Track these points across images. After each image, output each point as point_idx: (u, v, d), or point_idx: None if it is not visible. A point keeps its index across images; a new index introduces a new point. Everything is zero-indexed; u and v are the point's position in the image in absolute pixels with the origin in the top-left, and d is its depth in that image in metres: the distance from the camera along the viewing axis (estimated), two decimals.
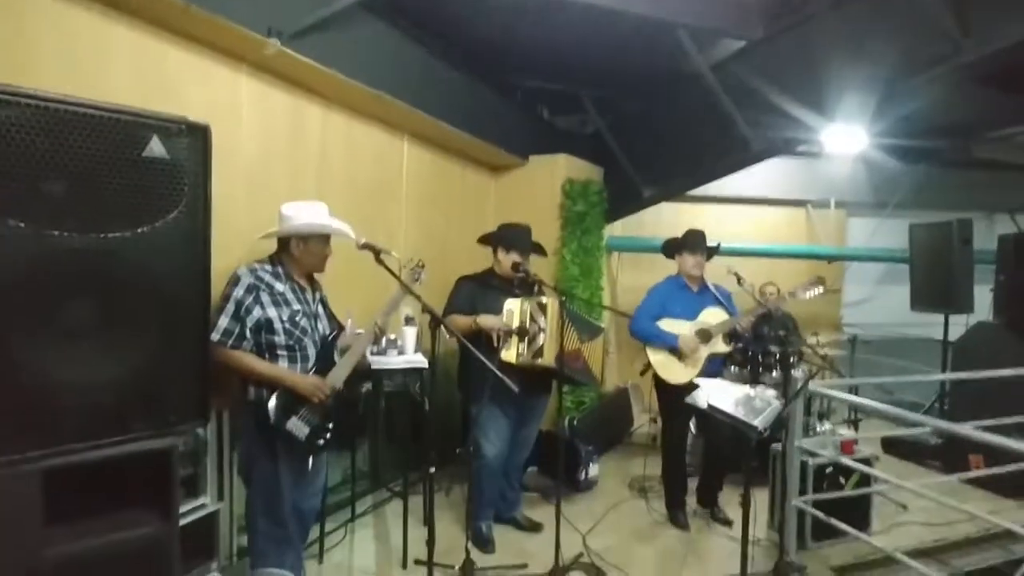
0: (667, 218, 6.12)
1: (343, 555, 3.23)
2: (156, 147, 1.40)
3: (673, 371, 3.55)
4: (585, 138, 5.58)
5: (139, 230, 1.42)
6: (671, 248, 3.76)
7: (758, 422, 2.43)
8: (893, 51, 3.15)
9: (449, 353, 4.19)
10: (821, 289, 3.49)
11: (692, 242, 3.66)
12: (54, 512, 1.27)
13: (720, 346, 3.60)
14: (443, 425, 4.30)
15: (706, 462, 3.91)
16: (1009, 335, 4.47)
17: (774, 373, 3.92)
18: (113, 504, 1.40)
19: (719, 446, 3.70)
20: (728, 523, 3.69)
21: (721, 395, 2.66)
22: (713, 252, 3.72)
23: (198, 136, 1.52)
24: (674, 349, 3.54)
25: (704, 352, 3.55)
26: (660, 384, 3.65)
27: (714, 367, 3.65)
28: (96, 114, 1.34)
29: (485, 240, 3.48)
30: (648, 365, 5.44)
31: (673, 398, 3.49)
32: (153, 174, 1.45)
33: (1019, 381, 3.63)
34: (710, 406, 2.54)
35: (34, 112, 1.26)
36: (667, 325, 3.59)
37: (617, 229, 5.98)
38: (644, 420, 5.67)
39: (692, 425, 4.16)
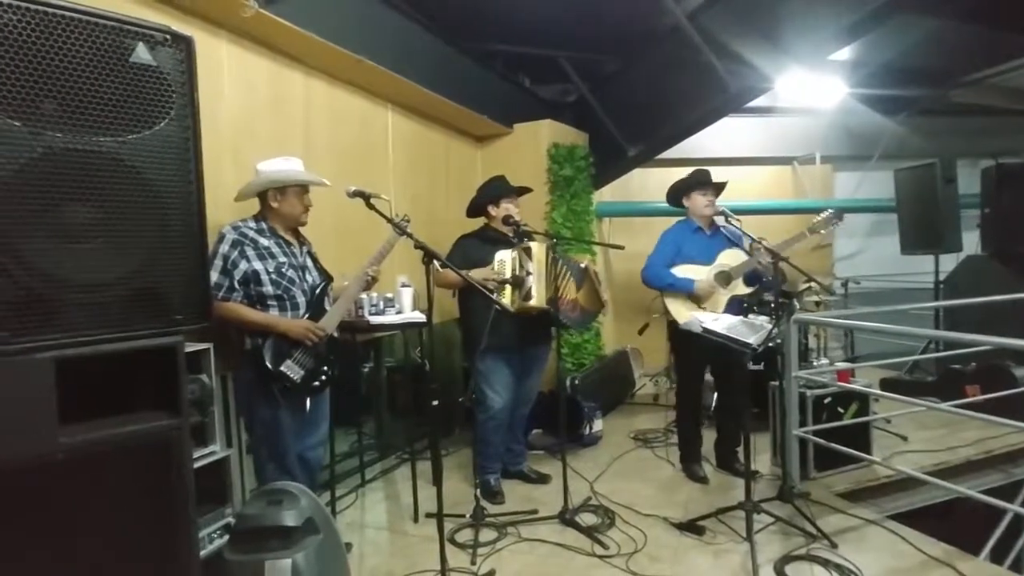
0: (654, 183, 6.14)
1: (355, 515, 3.27)
2: (143, 53, 1.43)
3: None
4: (568, 106, 5.62)
5: (132, 136, 1.45)
6: (678, 192, 3.60)
7: (753, 340, 2.48)
8: None
9: (447, 324, 4.23)
10: (839, 222, 3.33)
11: (700, 180, 3.52)
12: (66, 408, 1.31)
13: (741, 288, 3.43)
14: (445, 390, 4.32)
15: (721, 419, 3.72)
16: (997, 265, 4.54)
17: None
18: (123, 406, 1.43)
19: (733, 398, 3.50)
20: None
21: (716, 322, 2.70)
22: (721, 188, 3.57)
23: (182, 46, 1.54)
24: (692, 295, 3.41)
25: (724, 295, 3.42)
26: (675, 334, 3.49)
27: (734, 311, 3.38)
28: (81, 17, 1.35)
29: (473, 211, 3.51)
30: (647, 325, 5.46)
31: (690, 347, 3.34)
32: (142, 80, 1.47)
33: (1011, 309, 3.69)
34: (705, 329, 2.58)
35: (24, 14, 1.28)
36: (684, 270, 3.45)
37: (606, 195, 6.01)
38: (644, 382, 5.75)
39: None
